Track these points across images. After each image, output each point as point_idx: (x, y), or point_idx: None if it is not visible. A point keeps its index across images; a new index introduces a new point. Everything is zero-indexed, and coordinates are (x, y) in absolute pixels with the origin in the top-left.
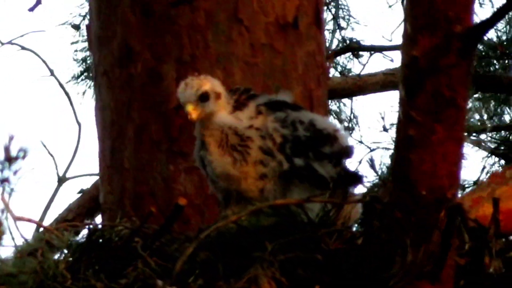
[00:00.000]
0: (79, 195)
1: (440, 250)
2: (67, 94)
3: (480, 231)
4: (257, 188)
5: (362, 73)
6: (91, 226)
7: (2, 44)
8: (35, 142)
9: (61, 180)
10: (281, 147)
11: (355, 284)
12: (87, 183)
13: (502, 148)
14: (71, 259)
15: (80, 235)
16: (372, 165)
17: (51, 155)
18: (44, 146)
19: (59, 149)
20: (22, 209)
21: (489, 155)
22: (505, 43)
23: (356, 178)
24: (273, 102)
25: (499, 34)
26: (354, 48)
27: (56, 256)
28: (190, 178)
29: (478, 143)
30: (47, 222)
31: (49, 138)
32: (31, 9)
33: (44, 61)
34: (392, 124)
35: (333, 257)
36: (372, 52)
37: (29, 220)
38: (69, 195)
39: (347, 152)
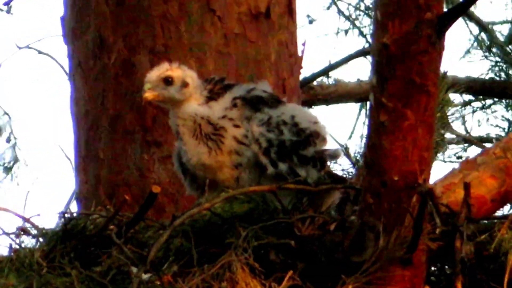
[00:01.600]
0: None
1: (412, 235)
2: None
3: (451, 216)
4: (232, 177)
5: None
6: (66, 215)
7: (20, 48)
8: (52, 145)
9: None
10: (265, 152)
11: (328, 269)
12: None
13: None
14: (46, 247)
15: (56, 224)
16: (346, 153)
17: (68, 158)
18: (62, 150)
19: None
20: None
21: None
22: None
23: (341, 182)
24: (250, 98)
25: None
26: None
27: (31, 245)
28: (164, 167)
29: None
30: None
31: (66, 142)
32: (6, 3)
33: (61, 65)
34: None
35: (306, 243)
36: None
37: (5, 210)
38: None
39: (332, 155)
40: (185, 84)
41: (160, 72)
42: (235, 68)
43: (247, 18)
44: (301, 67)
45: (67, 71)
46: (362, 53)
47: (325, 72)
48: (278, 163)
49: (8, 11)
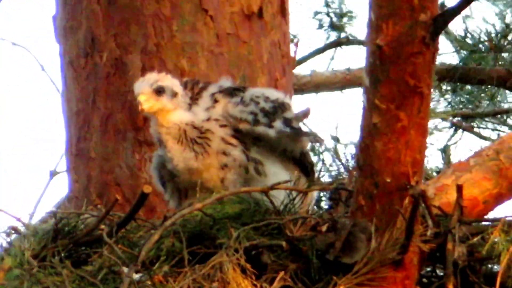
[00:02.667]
0: None
1: (404, 237)
2: (58, 89)
3: (443, 218)
4: (218, 177)
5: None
6: (57, 214)
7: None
8: (27, 137)
9: (53, 174)
10: (255, 122)
11: (319, 270)
12: None
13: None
14: (37, 246)
15: (47, 223)
16: (337, 155)
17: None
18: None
19: (51, 144)
20: (15, 202)
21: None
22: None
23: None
24: (226, 89)
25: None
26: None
27: (22, 244)
28: None
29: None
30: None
31: (41, 133)
32: None
33: (35, 57)
34: None
35: (298, 244)
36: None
37: None
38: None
39: (305, 113)
40: (174, 94)
41: (152, 82)
42: (228, 68)
43: (240, 18)
44: (293, 67)
45: (41, 63)
46: (336, 43)
47: (300, 62)
48: (272, 124)
49: None
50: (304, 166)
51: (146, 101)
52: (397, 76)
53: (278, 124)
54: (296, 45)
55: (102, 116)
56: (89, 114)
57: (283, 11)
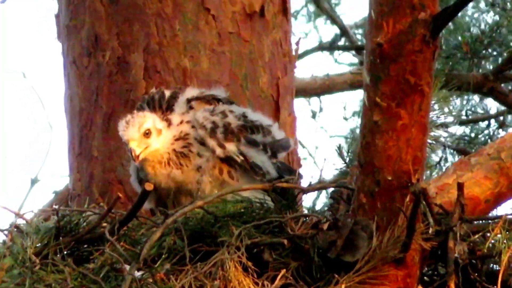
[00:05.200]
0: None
1: (405, 235)
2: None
3: (445, 216)
4: (195, 179)
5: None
6: (59, 212)
7: None
8: (7, 143)
9: (34, 181)
10: (212, 133)
11: (321, 268)
12: (61, 184)
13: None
14: (39, 244)
15: (49, 221)
16: (340, 153)
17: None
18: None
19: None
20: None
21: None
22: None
23: (292, 173)
24: (204, 96)
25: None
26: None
27: (24, 241)
28: None
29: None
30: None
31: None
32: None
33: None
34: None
35: (299, 242)
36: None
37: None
38: (42, 197)
39: (283, 144)
40: (159, 132)
41: (137, 127)
42: (229, 67)
43: (242, 17)
44: (295, 66)
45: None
46: (317, 48)
47: None
48: (225, 144)
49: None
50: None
51: (138, 147)
52: (397, 74)
53: (230, 146)
54: (298, 43)
55: (104, 115)
56: (91, 113)
57: (284, 10)
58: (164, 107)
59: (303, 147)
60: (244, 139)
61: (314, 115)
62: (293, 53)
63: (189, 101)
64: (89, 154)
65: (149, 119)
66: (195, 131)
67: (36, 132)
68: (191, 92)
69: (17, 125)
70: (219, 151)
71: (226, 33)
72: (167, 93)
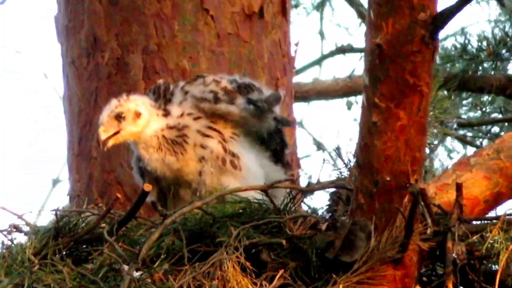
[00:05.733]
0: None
1: (404, 235)
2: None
3: (443, 216)
4: (196, 170)
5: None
6: (58, 213)
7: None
8: (29, 145)
9: (56, 182)
10: (216, 100)
11: (319, 268)
12: None
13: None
14: (38, 244)
15: (48, 221)
16: (339, 154)
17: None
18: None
19: (32, 150)
20: (17, 209)
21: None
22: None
23: (287, 123)
24: (192, 78)
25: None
26: (345, 50)
27: (23, 242)
28: None
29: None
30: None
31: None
32: (2, 2)
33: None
34: None
35: (298, 242)
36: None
37: None
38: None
39: (276, 97)
40: (137, 114)
41: (110, 111)
42: (228, 67)
43: (241, 18)
44: (294, 67)
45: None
46: (338, 51)
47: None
48: (234, 102)
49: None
50: (274, 148)
51: (104, 132)
52: (396, 75)
53: (240, 101)
54: (297, 45)
55: None
56: (90, 113)
57: (284, 10)
58: (167, 97)
59: (324, 150)
60: (243, 99)
61: (349, 107)
62: (292, 54)
63: (182, 87)
64: (88, 154)
65: (126, 103)
66: (197, 122)
67: (36, 132)
68: (182, 82)
69: (17, 125)
70: (233, 108)
71: (225, 34)
72: (172, 86)
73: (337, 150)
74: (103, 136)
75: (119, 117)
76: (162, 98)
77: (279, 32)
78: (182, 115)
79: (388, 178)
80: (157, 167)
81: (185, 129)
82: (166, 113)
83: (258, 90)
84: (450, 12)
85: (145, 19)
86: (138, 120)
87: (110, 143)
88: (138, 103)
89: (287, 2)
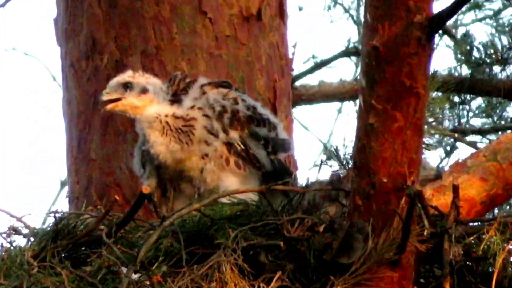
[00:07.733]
0: None
1: (401, 237)
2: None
3: (440, 218)
4: (198, 167)
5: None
6: (57, 215)
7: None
8: (29, 145)
9: (64, 183)
10: (219, 116)
11: (316, 270)
12: None
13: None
14: (37, 247)
15: (46, 223)
16: (336, 154)
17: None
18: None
19: (32, 150)
20: (25, 211)
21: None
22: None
23: (288, 173)
24: (218, 81)
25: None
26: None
27: (22, 244)
28: None
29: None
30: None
31: (53, 143)
32: (2, 5)
33: (46, 67)
34: None
35: (295, 244)
36: None
37: None
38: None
39: (284, 145)
40: (144, 91)
41: (121, 77)
42: (226, 70)
43: (238, 20)
44: (292, 69)
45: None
46: (344, 53)
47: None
48: (229, 131)
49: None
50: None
51: (108, 94)
52: (393, 77)
53: (233, 133)
54: (295, 46)
55: (102, 118)
56: (89, 116)
57: (281, 13)
58: (181, 87)
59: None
60: (248, 130)
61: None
62: (290, 56)
63: (202, 86)
64: (87, 157)
65: (139, 77)
66: (206, 120)
67: (36, 132)
68: (203, 80)
69: (17, 125)
70: (222, 135)
71: (223, 36)
72: (189, 78)
73: (336, 151)
74: (105, 97)
75: (126, 86)
76: (175, 86)
77: (276, 35)
78: (192, 107)
79: (385, 180)
80: (160, 152)
81: (192, 121)
82: (174, 101)
83: (272, 128)
84: (446, 14)
85: (144, 22)
86: (143, 95)
87: (109, 107)
88: (149, 81)
89: (284, 5)
